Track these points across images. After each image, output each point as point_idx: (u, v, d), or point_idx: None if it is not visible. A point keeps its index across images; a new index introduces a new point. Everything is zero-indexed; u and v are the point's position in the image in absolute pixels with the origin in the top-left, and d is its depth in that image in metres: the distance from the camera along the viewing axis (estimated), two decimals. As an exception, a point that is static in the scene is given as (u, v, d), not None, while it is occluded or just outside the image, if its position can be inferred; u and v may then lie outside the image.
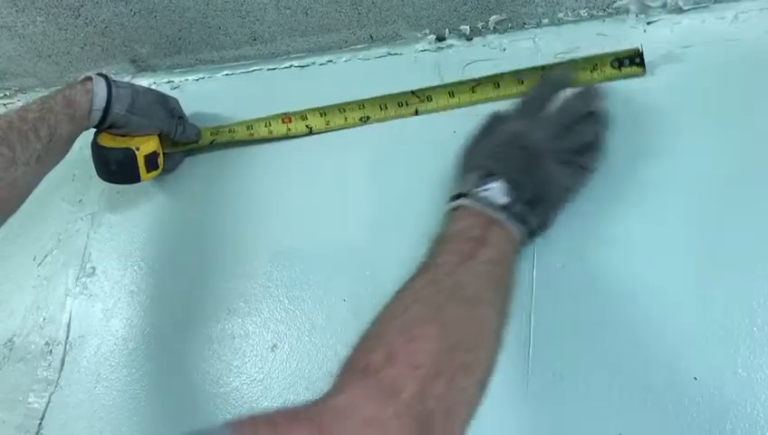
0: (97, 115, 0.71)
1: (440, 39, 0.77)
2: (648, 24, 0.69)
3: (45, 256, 0.87)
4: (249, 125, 0.80)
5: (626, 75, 0.67)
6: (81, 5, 0.81)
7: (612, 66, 0.67)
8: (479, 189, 0.57)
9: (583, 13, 0.71)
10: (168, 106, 0.78)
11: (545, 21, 0.73)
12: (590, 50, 0.69)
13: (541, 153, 0.58)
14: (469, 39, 0.76)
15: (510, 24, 0.74)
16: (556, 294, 0.61)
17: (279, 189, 0.78)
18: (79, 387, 0.77)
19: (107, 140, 0.75)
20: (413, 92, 0.75)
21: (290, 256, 0.74)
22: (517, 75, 0.71)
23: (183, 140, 0.79)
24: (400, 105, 0.75)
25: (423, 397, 0.43)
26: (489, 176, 0.57)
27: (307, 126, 0.79)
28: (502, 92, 0.71)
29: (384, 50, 0.80)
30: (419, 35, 0.78)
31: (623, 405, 0.56)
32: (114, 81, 0.73)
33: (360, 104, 0.77)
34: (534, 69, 0.70)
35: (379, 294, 0.50)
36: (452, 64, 0.76)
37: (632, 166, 0.63)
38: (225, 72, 0.89)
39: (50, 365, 0.79)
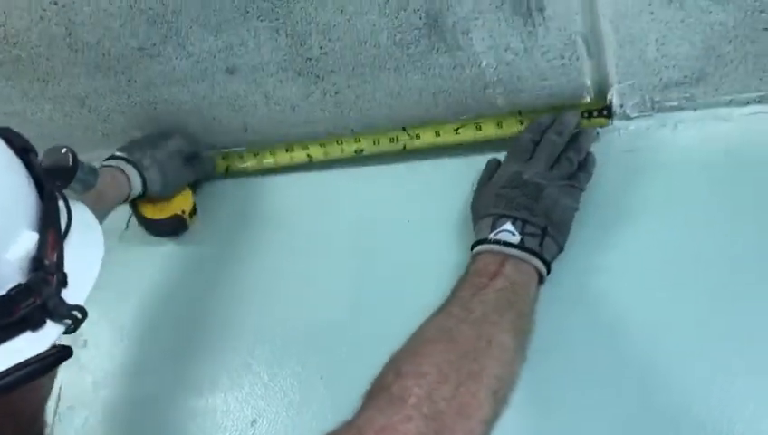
0: (127, 199, 0.81)
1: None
2: (601, 127, 0.77)
3: (39, 328, 0.91)
4: (256, 152, 0.90)
5: (593, 125, 0.75)
6: (87, 97, 0.89)
7: (583, 116, 0.75)
8: (493, 233, 0.65)
9: (543, 115, 0.79)
10: (188, 160, 0.87)
11: (509, 122, 0.81)
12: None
13: (540, 185, 0.67)
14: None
15: (478, 124, 0.82)
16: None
17: (263, 267, 0.84)
18: (66, 458, 0.80)
19: (151, 211, 0.86)
20: (403, 128, 0.83)
21: (271, 332, 0.79)
22: (497, 120, 0.79)
23: (204, 177, 0.92)
24: (391, 141, 0.83)
25: (431, 400, 0.49)
26: (501, 218, 0.65)
27: (308, 155, 0.87)
28: (482, 134, 0.79)
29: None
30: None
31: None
32: (140, 162, 0.81)
33: (356, 138, 0.85)
34: (512, 114, 0.78)
35: (355, 372, 0.55)
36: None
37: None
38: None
39: (38, 435, 0.82)
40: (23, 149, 0.46)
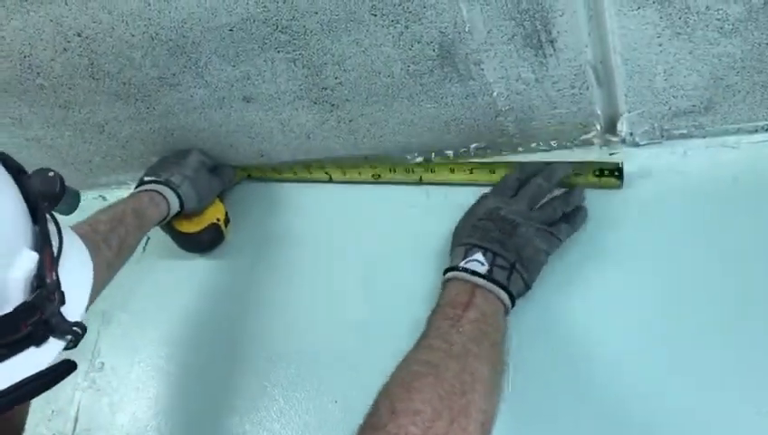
0: (167, 218, 0.83)
1: (427, 161, 0.86)
2: (611, 155, 0.78)
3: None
4: (275, 167, 0.93)
5: (603, 185, 0.76)
6: (106, 123, 0.91)
7: (594, 174, 0.76)
8: (464, 262, 0.67)
9: (553, 143, 0.81)
10: (212, 171, 0.91)
11: (520, 149, 0.83)
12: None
13: (516, 222, 0.69)
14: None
15: (489, 151, 0.84)
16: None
17: (278, 290, 0.85)
18: (83, 480, 0.81)
19: (188, 226, 0.88)
20: (420, 163, 0.86)
21: (287, 357, 0.80)
22: (511, 166, 0.80)
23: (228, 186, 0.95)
24: (407, 171, 0.86)
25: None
26: (473, 248, 0.67)
27: (326, 172, 0.90)
28: (495, 177, 0.80)
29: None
30: (409, 157, 0.87)
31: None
32: (171, 181, 0.84)
33: (372, 164, 0.88)
34: (528, 163, 0.79)
35: (369, 396, 0.56)
36: (438, 183, 0.85)
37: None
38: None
39: (56, 457, 0.84)
40: (18, 172, 0.47)
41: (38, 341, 0.42)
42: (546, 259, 0.69)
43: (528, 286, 0.68)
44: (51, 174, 0.52)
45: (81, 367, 0.89)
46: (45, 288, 0.43)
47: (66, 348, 0.44)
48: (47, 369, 0.42)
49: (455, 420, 0.53)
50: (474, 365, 0.58)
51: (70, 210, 0.57)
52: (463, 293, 0.65)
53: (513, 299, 0.66)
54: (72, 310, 0.45)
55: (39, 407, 0.88)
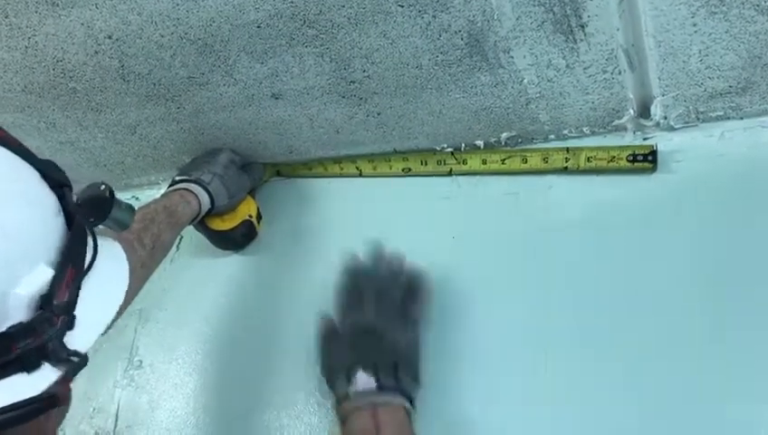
0: (199, 216, 0.84)
1: (458, 152, 0.86)
2: (645, 140, 0.77)
3: (95, 350, 0.94)
4: (305, 163, 0.94)
5: (636, 169, 0.75)
6: (138, 124, 0.92)
7: (627, 160, 0.75)
8: (351, 388, 0.65)
9: (586, 130, 0.80)
10: (244, 168, 0.92)
11: (552, 137, 0.82)
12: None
13: (381, 327, 0.68)
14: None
15: (520, 139, 0.83)
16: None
17: (313, 285, 0.85)
18: (126, 475, 0.83)
19: (220, 223, 0.89)
20: (452, 153, 0.85)
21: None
22: (544, 154, 0.80)
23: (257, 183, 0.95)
24: (439, 163, 0.86)
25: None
26: (351, 370, 0.66)
27: (357, 167, 0.90)
28: (527, 166, 0.80)
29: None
30: (438, 148, 0.87)
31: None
32: (201, 179, 0.85)
33: (404, 157, 0.88)
34: (559, 150, 0.79)
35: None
36: (469, 174, 0.85)
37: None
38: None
39: (98, 454, 0.85)
40: (58, 184, 0.45)
41: (30, 367, 0.39)
42: (419, 347, 0.69)
43: (418, 381, 0.67)
44: (102, 187, 0.51)
45: (121, 365, 0.91)
46: (50, 310, 0.40)
47: (64, 377, 0.41)
48: (27, 400, 0.38)
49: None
50: None
51: (120, 226, 0.54)
52: (365, 419, 0.63)
53: (410, 400, 0.66)
54: (81, 336, 0.42)
55: (80, 405, 0.90)
